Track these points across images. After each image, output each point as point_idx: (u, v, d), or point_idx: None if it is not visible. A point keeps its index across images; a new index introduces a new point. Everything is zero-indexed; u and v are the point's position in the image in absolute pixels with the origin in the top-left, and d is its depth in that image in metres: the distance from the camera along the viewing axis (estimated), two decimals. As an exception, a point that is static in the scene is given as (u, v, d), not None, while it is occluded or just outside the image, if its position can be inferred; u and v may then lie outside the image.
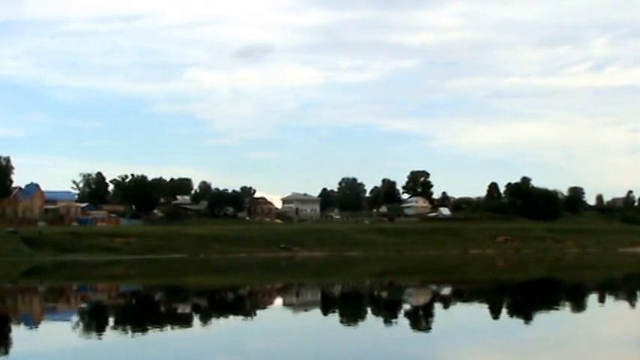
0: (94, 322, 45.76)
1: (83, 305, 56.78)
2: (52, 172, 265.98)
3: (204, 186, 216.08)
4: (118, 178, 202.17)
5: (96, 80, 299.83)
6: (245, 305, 57.71)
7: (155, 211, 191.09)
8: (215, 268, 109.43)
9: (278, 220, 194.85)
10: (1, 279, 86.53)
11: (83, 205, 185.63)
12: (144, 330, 41.58)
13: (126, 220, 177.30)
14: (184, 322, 45.91)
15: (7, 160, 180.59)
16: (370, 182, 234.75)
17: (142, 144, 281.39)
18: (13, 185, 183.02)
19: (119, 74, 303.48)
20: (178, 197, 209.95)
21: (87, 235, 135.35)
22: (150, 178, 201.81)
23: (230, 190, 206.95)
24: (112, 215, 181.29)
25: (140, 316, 49.39)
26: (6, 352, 32.50)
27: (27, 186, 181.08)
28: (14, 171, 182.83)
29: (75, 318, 47.09)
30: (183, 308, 54.33)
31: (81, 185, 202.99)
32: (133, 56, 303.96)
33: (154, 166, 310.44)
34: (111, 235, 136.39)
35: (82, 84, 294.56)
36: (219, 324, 44.95)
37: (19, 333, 41.15)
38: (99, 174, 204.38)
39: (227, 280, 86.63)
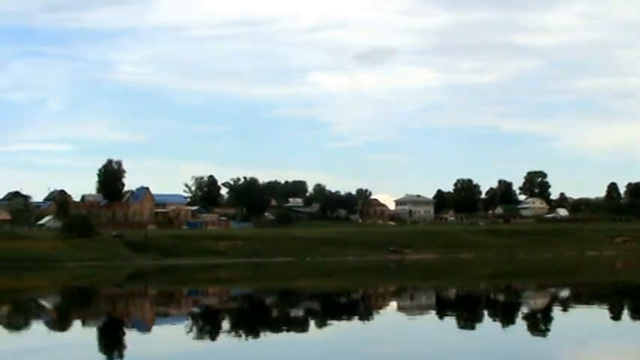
0: (207, 326, 44.91)
1: (194, 309, 55.29)
2: (164, 175, 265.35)
3: (319, 189, 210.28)
4: (230, 181, 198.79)
5: (218, 85, 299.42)
6: (359, 308, 55.74)
7: (266, 214, 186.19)
8: (323, 271, 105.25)
9: (391, 222, 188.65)
10: (105, 283, 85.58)
11: (193, 208, 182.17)
12: (257, 334, 40.40)
13: (236, 223, 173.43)
14: (298, 325, 44.59)
15: (119, 163, 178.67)
16: (486, 183, 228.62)
17: (262, 147, 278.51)
18: (125, 189, 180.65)
19: (241, 78, 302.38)
20: (290, 200, 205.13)
21: (192, 238, 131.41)
22: (266, 181, 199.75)
23: (345, 193, 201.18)
24: (222, 218, 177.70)
25: (253, 319, 47.56)
26: (120, 356, 32.21)
27: (137, 189, 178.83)
28: (126, 175, 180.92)
29: (187, 322, 46.01)
30: (296, 312, 52.44)
31: (193, 188, 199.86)
32: (255, 60, 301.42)
33: (271, 170, 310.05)
34: (216, 238, 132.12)
35: (204, 89, 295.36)
36: (333, 328, 42.77)
37: (132, 337, 40.51)
38: (211, 177, 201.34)
39: (336, 284, 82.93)
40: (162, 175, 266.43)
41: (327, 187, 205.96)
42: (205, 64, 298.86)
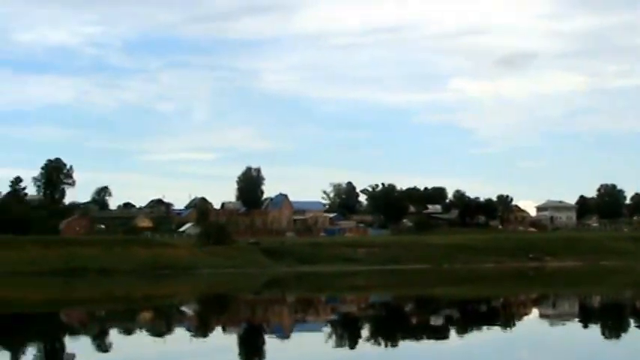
0: (346, 334, 44.11)
1: (333, 316, 54.82)
2: (303, 182, 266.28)
3: (458, 195, 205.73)
4: (368, 188, 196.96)
5: (360, 92, 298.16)
6: (500, 316, 54.32)
7: (404, 220, 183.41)
8: (461, 278, 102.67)
9: (532, 229, 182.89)
10: (242, 290, 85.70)
11: (331, 215, 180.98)
12: (396, 342, 39.94)
13: (373, 230, 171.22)
14: (438, 333, 43.43)
15: (258, 171, 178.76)
16: (631, 188, 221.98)
17: (402, 154, 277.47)
18: (265, 197, 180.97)
19: (382, 85, 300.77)
20: (429, 206, 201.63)
21: (328, 245, 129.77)
22: (405, 187, 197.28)
23: (485, 199, 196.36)
24: (360, 225, 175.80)
25: (392, 327, 46.59)
26: None
27: (276, 197, 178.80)
28: (265, 182, 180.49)
29: (326, 329, 45.41)
30: (436, 319, 51.25)
31: (331, 195, 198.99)
32: (396, 67, 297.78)
33: (411, 176, 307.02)
34: (353, 246, 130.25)
35: (346, 96, 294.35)
36: (474, 336, 42.04)
37: (271, 343, 40.22)
38: (349, 184, 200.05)
39: (475, 291, 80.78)
40: (302, 182, 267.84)
41: (467, 194, 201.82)
42: (347, 71, 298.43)
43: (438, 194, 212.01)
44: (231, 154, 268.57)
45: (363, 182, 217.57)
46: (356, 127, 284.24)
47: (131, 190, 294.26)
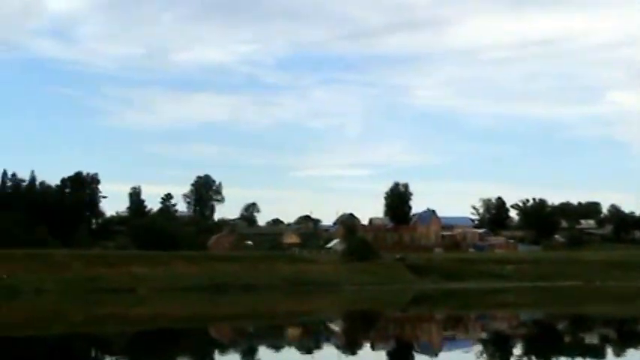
0: (498, 352, 43.54)
1: (483, 334, 53.17)
2: (453, 198, 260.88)
3: (613, 210, 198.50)
4: (518, 203, 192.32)
5: (512, 106, 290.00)
6: None
7: (556, 236, 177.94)
8: (614, 296, 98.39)
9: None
10: (388, 306, 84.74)
11: (480, 230, 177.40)
12: None
13: (523, 246, 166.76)
14: (594, 353, 41.90)
15: (406, 186, 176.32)
16: None
17: (555, 168, 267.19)
18: (413, 212, 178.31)
19: (536, 99, 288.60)
20: (582, 222, 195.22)
21: (476, 261, 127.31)
22: (557, 202, 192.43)
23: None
24: (510, 241, 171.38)
25: (545, 346, 45.10)
26: None
27: (423, 212, 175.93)
28: (412, 197, 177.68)
29: (477, 347, 44.00)
30: (591, 338, 49.32)
31: (481, 210, 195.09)
32: (551, 80, 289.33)
33: (563, 191, 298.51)
34: (501, 262, 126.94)
35: (497, 110, 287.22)
36: (634, 356, 40.05)
37: None
38: (499, 199, 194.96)
39: (630, 310, 76.80)
40: (451, 197, 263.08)
41: (623, 208, 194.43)
42: (498, 85, 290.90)
43: (592, 209, 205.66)
44: (382, 169, 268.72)
45: (513, 197, 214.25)
46: (507, 142, 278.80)
47: (281, 207, 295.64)
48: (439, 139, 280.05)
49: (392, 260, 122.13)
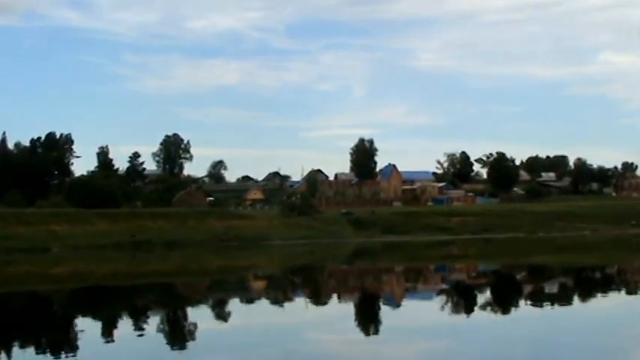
0: (462, 301, 40.54)
1: (445, 285, 50.19)
2: (415, 155, 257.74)
3: (579, 163, 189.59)
4: (482, 157, 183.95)
5: (512, 68, 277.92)
6: (617, 283, 48.62)
7: (515, 189, 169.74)
8: (557, 246, 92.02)
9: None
10: (328, 261, 78.59)
11: (440, 184, 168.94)
12: (511, 310, 36.24)
13: (482, 199, 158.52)
14: (558, 300, 38.94)
15: (371, 142, 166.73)
16: None
17: (552, 126, 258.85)
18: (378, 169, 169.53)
19: (534, 60, 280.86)
20: (543, 174, 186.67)
21: (421, 214, 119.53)
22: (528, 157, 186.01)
23: (598, 166, 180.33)
24: (470, 194, 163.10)
25: (508, 294, 43.22)
26: (376, 330, 29.41)
27: (385, 167, 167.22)
28: (377, 153, 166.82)
29: (439, 297, 41.60)
30: (551, 287, 46.54)
31: (445, 165, 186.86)
32: (546, 42, 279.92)
33: (557, 148, 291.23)
34: (448, 215, 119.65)
35: (499, 72, 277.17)
36: (599, 302, 37.72)
37: (388, 311, 37.20)
38: (463, 153, 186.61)
39: (577, 259, 71.93)
40: (414, 154, 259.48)
41: (590, 162, 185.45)
42: (498, 47, 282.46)
43: (559, 163, 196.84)
44: (388, 129, 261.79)
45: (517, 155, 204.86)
46: (506, 102, 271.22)
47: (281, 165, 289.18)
48: (442, 100, 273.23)
49: (336, 215, 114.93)
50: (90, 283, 53.72)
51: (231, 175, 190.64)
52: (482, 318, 32.54)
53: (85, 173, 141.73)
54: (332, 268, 68.06)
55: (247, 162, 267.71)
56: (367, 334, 28.84)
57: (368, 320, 33.26)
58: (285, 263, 74.82)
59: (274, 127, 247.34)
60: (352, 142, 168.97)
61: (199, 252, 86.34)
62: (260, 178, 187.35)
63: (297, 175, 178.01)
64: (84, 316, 36.01)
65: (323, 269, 66.97)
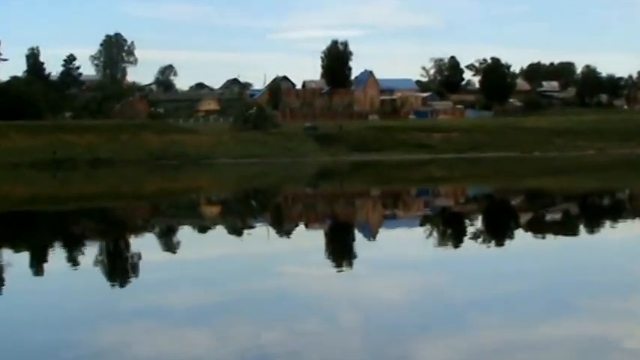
0: (449, 230, 39.75)
1: (428, 212, 49.85)
2: (397, 61, 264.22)
3: (586, 70, 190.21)
4: (474, 63, 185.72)
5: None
6: (627, 211, 48.20)
7: (511, 100, 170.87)
8: (556, 168, 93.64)
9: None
10: (287, 183, 78.83)
11: (425, 94, 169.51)
12: (505, 240, 35.40)
13: (473, 112, 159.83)
14: (562, 228, 38.65)
15: (345, 45, 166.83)
16: None
17: (560, 28, 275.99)
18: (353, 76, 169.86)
19: None
20: (544, 84, 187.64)
21: (397, 129, 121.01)
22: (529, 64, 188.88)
23: (607, 75, 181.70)
24: (458, 106, 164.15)
25: (501, 223, 42.82)
26: (350, 264, 29.36)
27: (360, 74, 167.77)
28: (352, 57, 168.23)
29: (422, 226, 41.05)
30: (553, 215, 45.88)
31: (431, 72, 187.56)
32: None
33: (563, 54, 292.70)
34: (429, 130, 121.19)
35: None
36: (608, 234, 36.57)
37: (364, 242, 36.29)
38: (452, 58, 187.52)
39: (581, 183, 71.98)
40: (396, 59, 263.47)
41: (600, 70, 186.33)
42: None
43: (564, 71, 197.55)
44: (375, 30, 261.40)
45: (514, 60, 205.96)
46: (509, 3, 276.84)
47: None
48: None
49: (299, 130, 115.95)
50: (4, 209, 52.85)
51: (182, 83, 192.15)
52: (475, 250, 32.20)
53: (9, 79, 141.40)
54: (293, 191, 68.14)
55: (202, 67, 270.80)
56: (340, 267, 28.53)
57: (340, 252, 32.91)
58: (234, 186, 74.63)
59: (236, 26, 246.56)
60: (325, 46, 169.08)
61: (131, 172, 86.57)
62: (217, 87, 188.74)
63: (259, 83, 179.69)
64: (4, 247, 35.20)
65: (282, 193, 66.85)
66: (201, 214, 49.25)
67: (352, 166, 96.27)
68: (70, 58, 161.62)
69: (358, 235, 39.23)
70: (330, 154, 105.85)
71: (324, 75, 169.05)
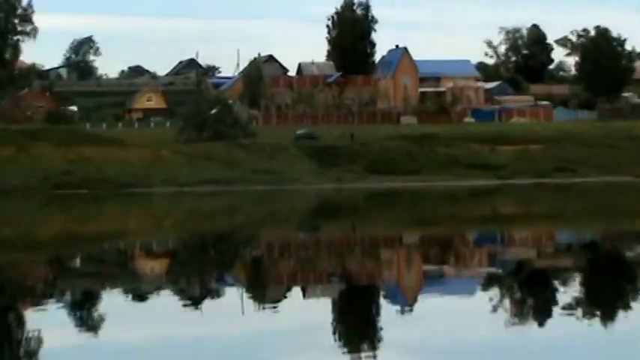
0: (527, 299, 40.13)
1: (494, 268, 50.28)
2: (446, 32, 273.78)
3: None
4: (569, 36, 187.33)
5: None
6: None
7: (627, 94, 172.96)
8: None
9: None
10: (272, 223, 79.05)
11: (491, 85, 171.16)
12: (610, 315, 35.08)
13: (565, 111, 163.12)
14: None
15: (366, 6, 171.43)
16: None
17: None
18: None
19: None
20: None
21: (442, 141, 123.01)
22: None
23: None
24: (542, 104, 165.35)
25: (610, 289, 41.75)
26: (372, 347, 29.95)
27: (388, 53, 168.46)
28: (377, 27, 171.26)
29: (484, 291, 41.61)
30: None
31: (501, 50, 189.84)
32: None
33: None
34: (494, 141, 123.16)
35: None
36: None
37: (392, 316, 36.06)
38: (534, 27, 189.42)
39: None
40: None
41: None
42: None
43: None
44: None
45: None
46: None
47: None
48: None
49: (286, 139, 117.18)
50: None
51: (109, 67, 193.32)
52: (572, 331, 32.21)
53: None
54: (278, 238, 67.64)
55: (139, 42, 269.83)
56: (357, 354, 28.03)
57: (357, 331, 33.08)
58: (181, 230, 74.54)
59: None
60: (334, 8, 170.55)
61: (16, 206, 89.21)
62: (163, 73, 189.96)
63: (230, 67, 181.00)
64: None
65: (260, 241, 66.35)
66: (135, 273, 49.11)
67: (369, 198, 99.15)
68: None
69: (385, 306, 39.79)
70: (334, 179, 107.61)
71: (331, 54, 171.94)
